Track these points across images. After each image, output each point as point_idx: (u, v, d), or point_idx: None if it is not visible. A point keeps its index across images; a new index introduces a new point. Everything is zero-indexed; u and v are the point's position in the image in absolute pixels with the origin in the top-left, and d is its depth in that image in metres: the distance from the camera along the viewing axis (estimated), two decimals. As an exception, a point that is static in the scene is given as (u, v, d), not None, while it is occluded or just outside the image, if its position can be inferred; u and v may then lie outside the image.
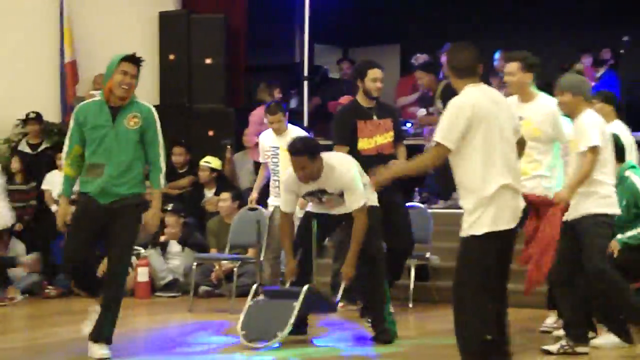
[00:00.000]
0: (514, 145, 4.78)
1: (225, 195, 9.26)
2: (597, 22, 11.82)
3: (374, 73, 6.80)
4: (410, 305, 8.14)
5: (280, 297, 6.34)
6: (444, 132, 4.65)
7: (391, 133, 6.90)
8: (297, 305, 6.12)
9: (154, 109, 5.89)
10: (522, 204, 4.78)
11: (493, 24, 12.47)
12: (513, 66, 6.30)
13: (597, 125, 5.84)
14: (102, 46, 10.72)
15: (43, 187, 10.12)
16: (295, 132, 7.94)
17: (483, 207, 4.63)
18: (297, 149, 6.20)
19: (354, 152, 6.75)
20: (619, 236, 6.20)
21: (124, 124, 5.74)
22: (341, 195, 6.24)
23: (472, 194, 4.67)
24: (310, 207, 6.47)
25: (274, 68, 12.74)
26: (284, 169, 7.78)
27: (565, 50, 11.26)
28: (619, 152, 6.20)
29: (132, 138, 5.75)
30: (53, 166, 10.19)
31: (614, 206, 5.91)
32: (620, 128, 6.62)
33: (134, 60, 5.75)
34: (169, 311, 8.19)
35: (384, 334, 6.29)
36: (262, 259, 8.08)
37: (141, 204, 5.84)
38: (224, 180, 10.05)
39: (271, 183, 8.05)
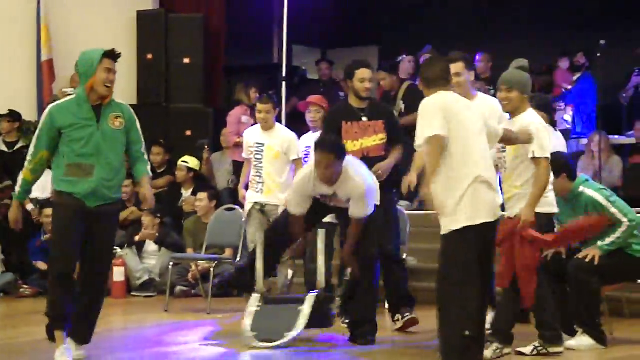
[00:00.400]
0: (487, 143, 5.03)
1: (203, 195, 9.24)
2: (574, 25, 11.89)
3: (361, 73, 6.71)
4: (387, 307, 8.15)
5: (285, 302, 6.40)
6: (429, 126, 4.84)
7: (382, 135, 6.71)
8: (306, 309, 6.18)
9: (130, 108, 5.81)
10: (498, 199, 5.00)
11: (471, 26, 12.53)
12: (459, 66, 6.28)
13: (546, 131, 5.81)
14: (79, 45, 10.56)
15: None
16: (282, 131, 7.89)
17: (460, 202, 4.79)
18: (327, 145, 6.14)
19: None
20: (600, 243, 6.21)
21: (108, 124, 5.55)
22: (348, 201, 6.24)
23: (448, 190, 4.81)
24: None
25: (252, 68, 12.73)
26: (268, 167, 7.78)
27: (542, 53, 11.32)
28: (570, 170, 6.21)
29: (119, 139, 5.58)
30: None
31: (551, 205, 5.90)
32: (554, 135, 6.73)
33: (114, 56, 5.63)
34: (145, 311, 8.17)
35: (363, 337, 6.29)
36: (238, 259, 8.06)
37: (120, 210, 5.74)
38: (201, 180, 10.04)
39: (251, 179, 8.00)
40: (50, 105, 5.72)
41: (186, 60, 10.95)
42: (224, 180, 10.27)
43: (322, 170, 6.12)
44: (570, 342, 6.07)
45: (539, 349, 5.81)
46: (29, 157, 5.63)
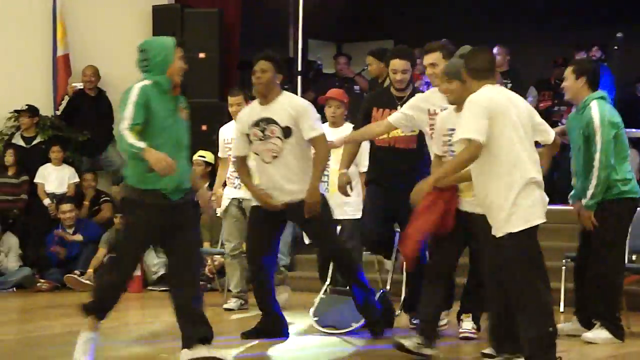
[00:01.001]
0: (533, 142, 4.97)
1: (220, 189, 9.24)
2: (590, 18, 11.83)
3: (393, 64, 6.54)
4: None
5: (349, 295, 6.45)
6: (469, 128, 4.77)
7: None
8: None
9: None
10: (546, 197, 4.96)
11: (487, 19, 12.48)
12: (434, 56, 6.11)
13: (477, 109, 5.63)
14: (95, 39, 10.71)
15: (36, 180, 10.12)
16: None
17: (515, 204, 4.77)
18: (267, 54, 6.09)
19: (371, 141, 6.63)
20: (584, 201, 6.06)
21: (180, 115, 5.33)
22: (287, 135, 6.03)
23: (502, 192, 4.79)
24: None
25: (267, 63, 12.70)
26: None
27: (558, 46, 11.27)
28: (593, 77, 6.24)
29: (187, 130, 5.39)
30: (46, 159, 10.19)
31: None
32: None
33: (183, 45, 5.47)
34: (161, 305, 8.16)
35: (375, 325, 6.32)
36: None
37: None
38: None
39: (228, 175, 7.88)
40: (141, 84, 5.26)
41: (201, 55, 10.94)
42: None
43: (258, 76, 6.04)
44: (587, 335, 6.04)
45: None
46: (128, 126, 5.05)
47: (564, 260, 7.22)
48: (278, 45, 13.18)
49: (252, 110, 6.23)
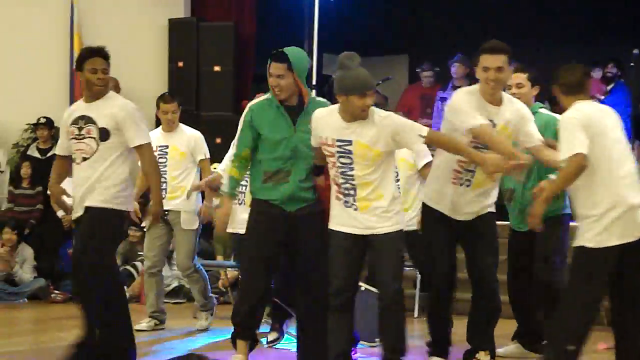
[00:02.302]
0: (630, 153, 4.93)
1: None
2: (605, 35, 11.82)
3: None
4: (416, 315, 8.14)
5: None
6: (571, 143, 4.72)
7: None
8: None
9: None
10: None
11: (502, 36, 12.47)
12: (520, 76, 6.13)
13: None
14: (112, 52, 10.73)
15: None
16: (187, 130, 7.58)
17: (596, 222, 4.74)
18: (280, 54, 5.42)
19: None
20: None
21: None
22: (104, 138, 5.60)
23: (588, 207, 4.79)
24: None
25: (282, 76, 12.75)
26: (172, 170, 7.37)
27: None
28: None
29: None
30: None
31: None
32: None
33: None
34: (174, 317, 8.19)
35: None
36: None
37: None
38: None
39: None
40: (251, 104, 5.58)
41: (217, 68, 10.99)
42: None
43: (274, 81, 5.37)
44: (499, 350, 5.93)
45: None
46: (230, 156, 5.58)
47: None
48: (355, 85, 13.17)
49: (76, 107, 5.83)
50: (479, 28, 12.63)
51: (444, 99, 10.36)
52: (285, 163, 5.38)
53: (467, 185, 5.46)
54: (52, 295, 9.47)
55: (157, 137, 7.36)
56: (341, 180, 5.17)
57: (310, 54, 12.28)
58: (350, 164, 5.13)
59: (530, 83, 6.06)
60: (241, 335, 5.52)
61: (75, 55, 10.91)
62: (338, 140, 5.13)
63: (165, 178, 7.33)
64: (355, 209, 5.16)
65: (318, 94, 11.57)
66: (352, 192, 5.15)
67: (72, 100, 10.91)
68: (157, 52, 10.98)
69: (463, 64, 10.73)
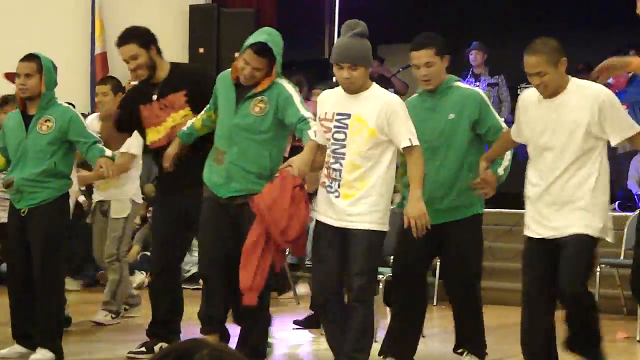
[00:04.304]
0: None
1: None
2: (625, 22, 11.73)
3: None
4: (434, 303, 8.15)
5: None
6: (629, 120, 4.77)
7: None
8: None
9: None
10: None
11: (523, 24, 12.42)
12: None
13: None
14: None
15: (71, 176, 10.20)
16: None
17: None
18: (261, 47, 5.26)
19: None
20: (498, 170, 5.27)
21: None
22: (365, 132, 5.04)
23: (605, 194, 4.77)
24: None
25: (302, 63, 12.75)
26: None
27: (590, 49, 11.18)
28: None
29: None
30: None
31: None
32: None
33: None
34: (192, 303, 8.19)
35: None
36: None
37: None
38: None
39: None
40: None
41: (237, 55, 10.98)
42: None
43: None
44: None
45: None
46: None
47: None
48: (314, 45, 13.22)
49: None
50: (500, 15, 12.61)
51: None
52: (221, 142, 5.33)
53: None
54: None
55: (94, 122, 6.96)
56: (331, 160, 4.98)
57: (331, 41, 12.28)
58: (344, 139, 4.94)
59: (440, 58, 5.30)
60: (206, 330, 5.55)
61: (97, 40, 10.97)
62: (337, 114, 4.97)
63: None
64: (337, 196, 4.95)
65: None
66: (338, 174, 4.95)
67: (93, 85, 10.95)
68: (178, 38, 10.99)
69: (481, 51, 10.71)
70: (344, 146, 4.94)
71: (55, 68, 5.73)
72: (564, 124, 4.68)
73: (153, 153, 5.99)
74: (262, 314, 5.38)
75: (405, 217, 4.88)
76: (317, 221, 5.10)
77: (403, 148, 4.88)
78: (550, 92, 4.70)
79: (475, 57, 10.72)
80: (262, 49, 5.23)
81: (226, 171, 5.26)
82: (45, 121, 5.64)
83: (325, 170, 5.03)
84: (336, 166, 4.95)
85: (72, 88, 10.92)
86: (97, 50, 10.91)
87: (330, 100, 5.07)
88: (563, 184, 4.69)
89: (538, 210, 4.75)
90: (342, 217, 4.94)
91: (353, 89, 4.96)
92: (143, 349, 5.78)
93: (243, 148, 5.24)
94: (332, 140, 4.98)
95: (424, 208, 4.84)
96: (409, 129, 4.90)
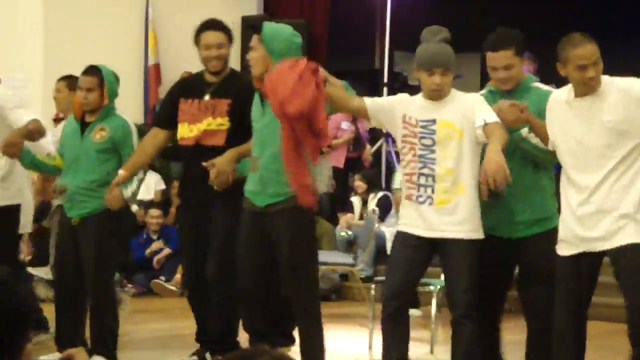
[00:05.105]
0: None
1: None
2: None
3: (205, 38, 6.20)
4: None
5: None
6: None
7: None
8: None
9: None
10: None
11: (574, 30, 12.32)
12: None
13: None
14: (185, 49, 10.86)
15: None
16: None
17: None
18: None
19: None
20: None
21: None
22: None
23: None
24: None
25: (354, 74, 12.77)
26: None
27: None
28: None
29: None
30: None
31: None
32: None
33: None
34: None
35: None
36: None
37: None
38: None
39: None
40: None
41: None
42: (322, 185, 10.31)
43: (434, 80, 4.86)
44: None
45: None
46: None
47: None
48: (364, 56, 13.22)
49: None
50: (553, 24, 12.51)
51: None
52: (255, 149, 5.29)
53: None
54: (125, 289, 9.60)
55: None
56: (419, 166, 4.81)
57: (382, 52, 12.27)
58: (432, 145, 4.80)
59: (519, 57, 5.08)
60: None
61: (150, 52, 11.09)
62: (421, 121, 4.83)
63: None
64: (431, 203, 4.80)
65: (389, 93, 11.55)
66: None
67: (147, 98, 11.08)
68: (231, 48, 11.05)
69: (531, 61, 10.65)
70: (433, 151, 4.79)
71: (117, 79, 5.80)
72: (602, 123, 4.44)
73: (173, 153, 5.89)
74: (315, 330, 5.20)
75: (481, 172, 4.55)
76: (398, 231, 4.94)
77: (479, 127, 4.66)
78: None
79: (527, 67, 10.66)
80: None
81: (260, 177, 5.14)
82: (100, 129, 5.70)
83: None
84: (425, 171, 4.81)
85: (125, 99, 11.00)
86: (151, 62, 11.03)
87: (414, 104, 4.93)
88: (607, 190, 4.43)
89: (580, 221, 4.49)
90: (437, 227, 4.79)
91: (442, 95, 4.86)
92: (195, 357, 5.80)
93: (276, 151, 5.05)
94: (419, 146, 4.81)
95: (502, 160, 4.49)
96: (484, 113, 4.70)
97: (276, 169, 5.05)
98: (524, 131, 4.82)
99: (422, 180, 4.79)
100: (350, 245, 10.01)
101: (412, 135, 4.83)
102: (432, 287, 6.91)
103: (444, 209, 4.76)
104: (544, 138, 4.72)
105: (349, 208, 10.26)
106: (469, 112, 4.76)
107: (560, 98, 4.63)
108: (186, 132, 5.69)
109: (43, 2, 10.69)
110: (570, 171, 4.56)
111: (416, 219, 4.81)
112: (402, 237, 4.88)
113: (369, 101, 5.01)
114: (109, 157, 5.68)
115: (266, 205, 5.12)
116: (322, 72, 4.89)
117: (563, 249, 4.56)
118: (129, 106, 10.88)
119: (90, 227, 5.62)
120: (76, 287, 5.67)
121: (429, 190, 4.77)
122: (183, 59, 10.93)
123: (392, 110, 4.95)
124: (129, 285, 9.59)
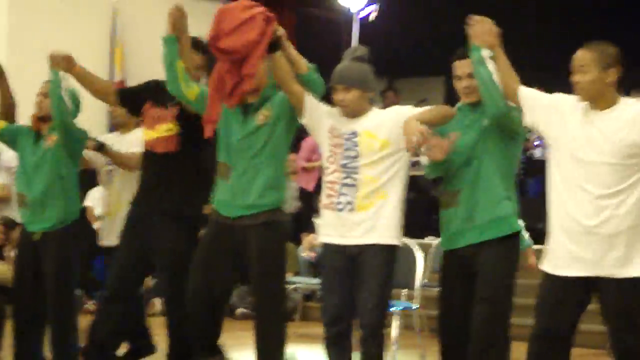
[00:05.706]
0: None
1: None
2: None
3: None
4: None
5: None
6: None
7: None
8: None
9: None
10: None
11: (547, 56, 12.45)
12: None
13: None
14: (152, 66, 10.85)
15: (85, 203, 10.23)
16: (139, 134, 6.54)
17: None
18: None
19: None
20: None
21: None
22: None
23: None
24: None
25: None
26: (120, 182, 6.90)
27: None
28: None
29: None
30: (95, 183, 10.30)
31: None
32: None
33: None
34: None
35: None
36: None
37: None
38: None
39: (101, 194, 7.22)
40: None
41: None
42: (287, 206, 10.29)
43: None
44: None
45: None
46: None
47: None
48: (330, 77, 13.23)
49: None
50: (519, 48, 12.63)
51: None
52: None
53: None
54: (86, 305, 9.51)
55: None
56: (343, 175, 4.93)
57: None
58: (356, 157, 4.92)
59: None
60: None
61: (116, 68, 11.04)
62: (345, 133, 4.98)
63: (110, 189, 7.20)
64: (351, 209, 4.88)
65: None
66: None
67: (110, 113, 10.99)
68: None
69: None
70: (356, 161, 4.89)
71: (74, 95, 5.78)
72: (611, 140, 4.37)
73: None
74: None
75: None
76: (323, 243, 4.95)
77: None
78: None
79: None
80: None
81: (231, 187, 5.06)
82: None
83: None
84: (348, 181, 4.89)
85: (88, 114, 10.95)
86: (117, 78, 10.98)
87: (339, 116, 5.05)
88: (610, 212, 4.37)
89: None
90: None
91: (348, 112, 4.95)
92: None
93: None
94: (344, 155, 4.93)
95: (414, 121, 4.63)
96: (404, 116, 4.82)
97: (250, 178, 4.99)
98: (486, 53, 4.83)
99: (345, 190, 4.85)
100: (313, 267, 10.00)
101: (338, 145, 4.90)
102: (393, 309, 6.92)
103: (364, 214, 4.79)
104: (506, 75, 4.75)
105: (312, 229, 10.26)
106: (392, 121, 4.88)
107: (578, 105, 4.51)
108: (145, 136, 5.78)
109: (7, 19, 10.62)
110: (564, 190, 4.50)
111: (335, 227, 4.85)
112: (328, 254, 4.87)
113: (309, 97, 5.04)
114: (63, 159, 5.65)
115: (237, 217, 5.00)
116: (282, 32, 4.90)
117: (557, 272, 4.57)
118: (92, 123, 10.79)
119: (51, 243, 5.57)
120: (36, 303, 5.61)
121: (349, 197, 4.82)
122: (149, 76, 10.90)
123: (321, 118, 5.05)
124: (90, 302, 9.50)
